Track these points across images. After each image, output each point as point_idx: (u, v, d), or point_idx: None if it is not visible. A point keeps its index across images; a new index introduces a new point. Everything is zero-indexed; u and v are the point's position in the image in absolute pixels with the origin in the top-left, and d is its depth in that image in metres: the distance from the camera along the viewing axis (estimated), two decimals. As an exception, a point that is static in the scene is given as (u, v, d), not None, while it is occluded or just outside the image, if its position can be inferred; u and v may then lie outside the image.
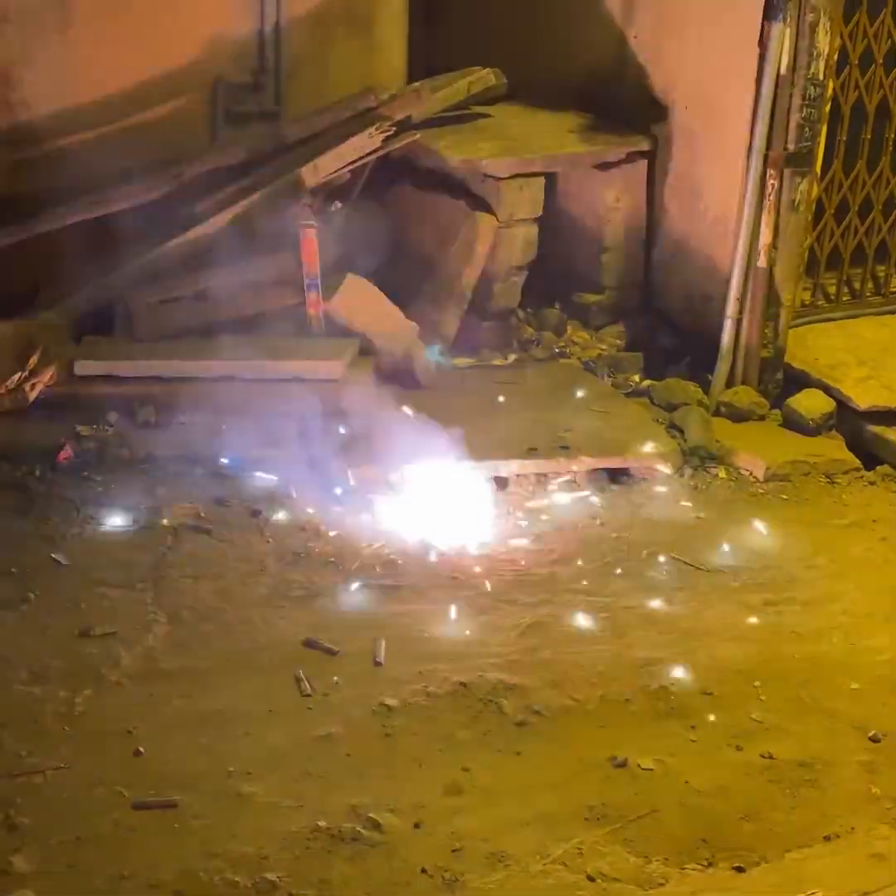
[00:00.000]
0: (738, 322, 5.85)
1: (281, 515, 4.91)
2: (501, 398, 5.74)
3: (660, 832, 3.57)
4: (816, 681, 4.24)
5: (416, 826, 3.54)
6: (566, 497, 5.18)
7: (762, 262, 5.73)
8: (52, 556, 4.60)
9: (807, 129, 5.55)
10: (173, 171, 5.87)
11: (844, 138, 5.97)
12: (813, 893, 3.31)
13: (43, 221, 5.78)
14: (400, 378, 5.76)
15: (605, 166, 6.29)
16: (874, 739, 3.98)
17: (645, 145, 6.28)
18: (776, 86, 5.53)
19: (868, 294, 6.47)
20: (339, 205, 6.03)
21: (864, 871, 3.44)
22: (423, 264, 6.14)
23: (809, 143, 5.60)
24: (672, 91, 6.20)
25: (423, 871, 3.38)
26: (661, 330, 6.37)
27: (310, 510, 4.95)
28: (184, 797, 3.57)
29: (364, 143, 5.93)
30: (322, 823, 3.51)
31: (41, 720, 3.83)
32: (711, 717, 4.03)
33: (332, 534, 4.83)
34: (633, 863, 3.45)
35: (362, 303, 5.77)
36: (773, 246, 5.70)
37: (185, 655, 4.16)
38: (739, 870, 3.45)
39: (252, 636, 4.29)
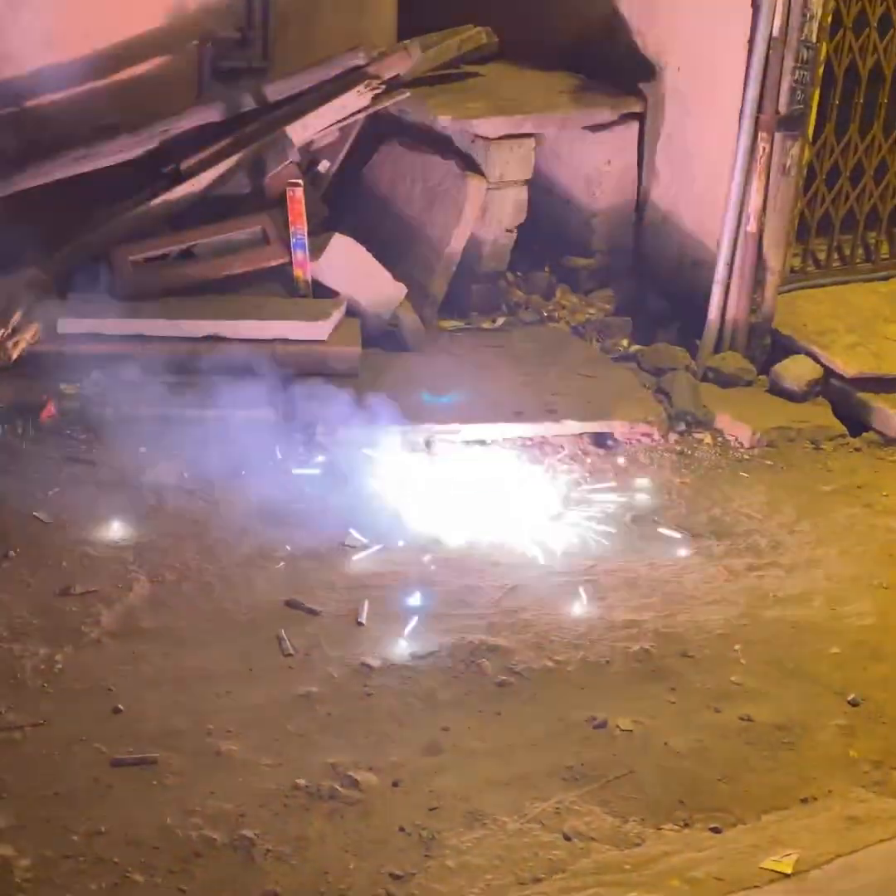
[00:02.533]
0: (727, 287, 5.83)
1: (263, 476, 4.89)
2: (488, 361, 5.74)
3: (637, 793, 3.59)
4: (797, 645, 4.26)
5: (395, 785, 3.55)
6: (550, 461, 5.18)
7: (751, 227, 5.70)
8: (34, 513, 4.59)
9: (799, 92, 5.50)
10: (159, 128, 5.82)
11: (837, 102, 5.92)
12: (788, 854, 3.33)
13: (28, 176, 5.73)
14: (387, 340, 5.75)
15: (596, 128, 6.24)
16: (853, 703, 4.00)
17: (637, 107, 6.23)
18: (768, 48, 5.49)
19: (858, 260, 6.45)
20: (326, 163, 5.99)
21: (840, 834, 3.46)
22: (411, 225, 6.10)
23: (801, 107, 5.56)
24: (664, 52, 6.14)
25: (401, 829, 3.40)
26: (650, 294, 6.34)
27: (293, 471, 4.94)
28: (162, 754, 3.58)
29: (352, 101, 5.86)
30: (300, 781, 3.52)
31: (20, 677, 3.83)
32: (691, 680, 4.05)
33: (315, 495, 4.82)
34: (609, 823, 3.46)
35: (349, 263, 5.72)
36: (763, 211, 5.68)
37: (165, 615, 4.17)
38: (716, 830, 3.46)
39: (234, 596, 4.29)
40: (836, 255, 6.39)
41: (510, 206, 6.11)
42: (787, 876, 3.29)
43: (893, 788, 3.65)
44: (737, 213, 5.71)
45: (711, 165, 5.95)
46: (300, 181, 5.62)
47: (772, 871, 3.31)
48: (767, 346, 5.91)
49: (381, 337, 5.75)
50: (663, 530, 4.82)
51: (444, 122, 6.00)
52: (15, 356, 5.24)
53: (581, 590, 4.42)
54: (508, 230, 6.16)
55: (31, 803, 3.39)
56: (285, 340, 5.44)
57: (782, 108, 5.52)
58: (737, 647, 4.21)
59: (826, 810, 3.56)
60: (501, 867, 3.29)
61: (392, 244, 6.04)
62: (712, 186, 5.94)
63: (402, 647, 4.07)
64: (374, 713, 3.81)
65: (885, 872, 3.32)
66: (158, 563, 4.40)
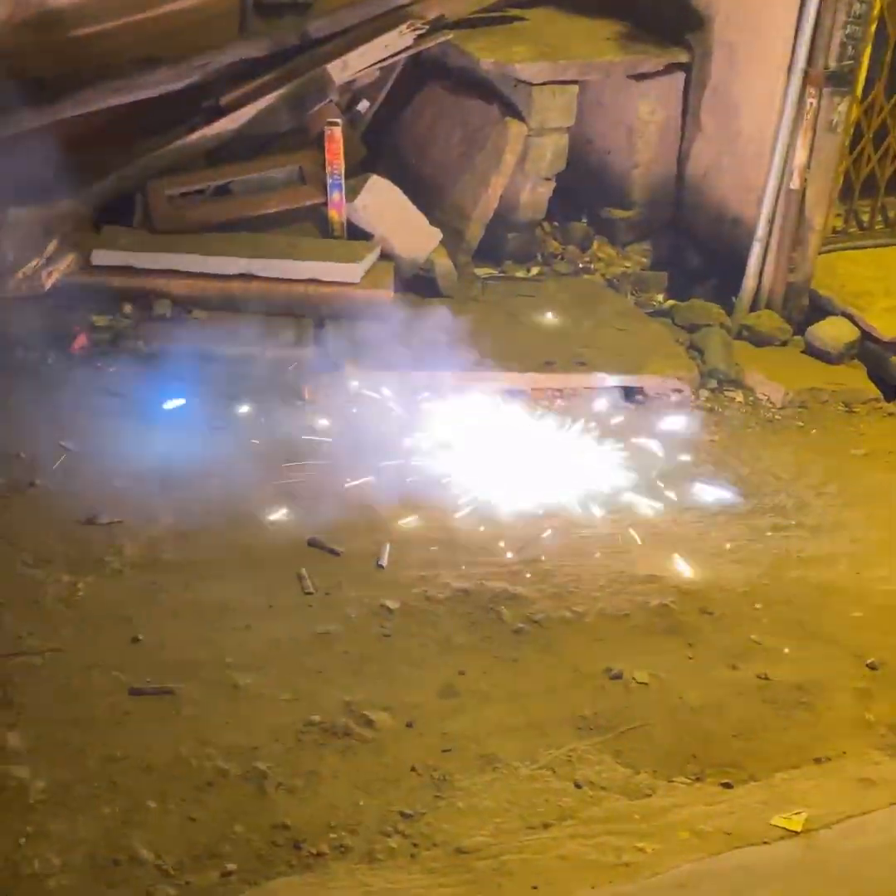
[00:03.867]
0: (767, 245, 5.75)
1: (292, 415, 4.89)
2: (521, 310, 5.69)
3: (650, 745, 3.59)
4: (819, 606, 4.23)
5: (409, 725, 3.56)
6: (579, 413, 5.15)
7: (795, 183, 5.61)
8: (62, 443, 4.60)
9: (849, 47, 5.39)
10: (199, 62, 5.76)
11: (889, 60, 5.80)
12: (799, 813, 3.33)
13: (68, 106, 5.69)
14: (420, 285, 5.70)
15: (640, 77, 6.13)
16: (872, 667, 3.98)
17: (683, 57, 6.11)
18: (820, 1, 5.36)
19: (902, 224, 6.35)
20: (365, 104, 5.92)
21: (852, 795, 3.45)
22: (449, 169, 6.02)
23: (852, 63, 5.44)
24: (713, 2, 6.01)
25: (413, 768, 3.42)
26: (688, 249, 6.27)
27: (322, 410, 4.93)
28: (180, 685, 3.61)
29: (395, 41, 5.79)
30: (315, 718, 3.53)
31: (42, 603, 3.86)
32: (710, 637, 4.03)
33: (343, 434, 4.80)
34: (621, 773, 3.47)
35: (385, 206, 5.67)
36: (808, 167, 5.58)
37: (188, 548, 4.17)
38: (727, 786, 3.46)
39: (257, 532, 4.29)
40: (880, 217, 6.29)
41: (550, 154, 6.03)
42: (796, 834, 3.28)
43: (908, 753, 3.64)
44: (781, 170, 5.62)
45: (757, 120, 5.85)
46: (339, 120, 5.57)
47: (781, 828, 3.30)
48: (804, 306, 5.84)
49: (414, 281, 5.70)
50: (689, 486, 4.78)
51: (486, 65, 5.90)
52: (48, 285, 5.24)
53: (604, 543, 4.40)
54: (547, 178, 6.09)
55: (48, 727, 3.43)
56: (318, 281, 5.41)
57: (832, 64, 5.41)
58: (758, 605, 4.19)
59: (839, 771, 3.55)
60: (511, 811, 3.30)
61: (429, 188, 5.98)
62: (757, 141, 5.84)
63: (421, 591, 4.07)
64: (391, 654, 3.82)
65: (894, 833, 3.30)
66: (183, 496, 4.40)
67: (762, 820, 3.33)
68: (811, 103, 5.45)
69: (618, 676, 3.82)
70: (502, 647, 3.90)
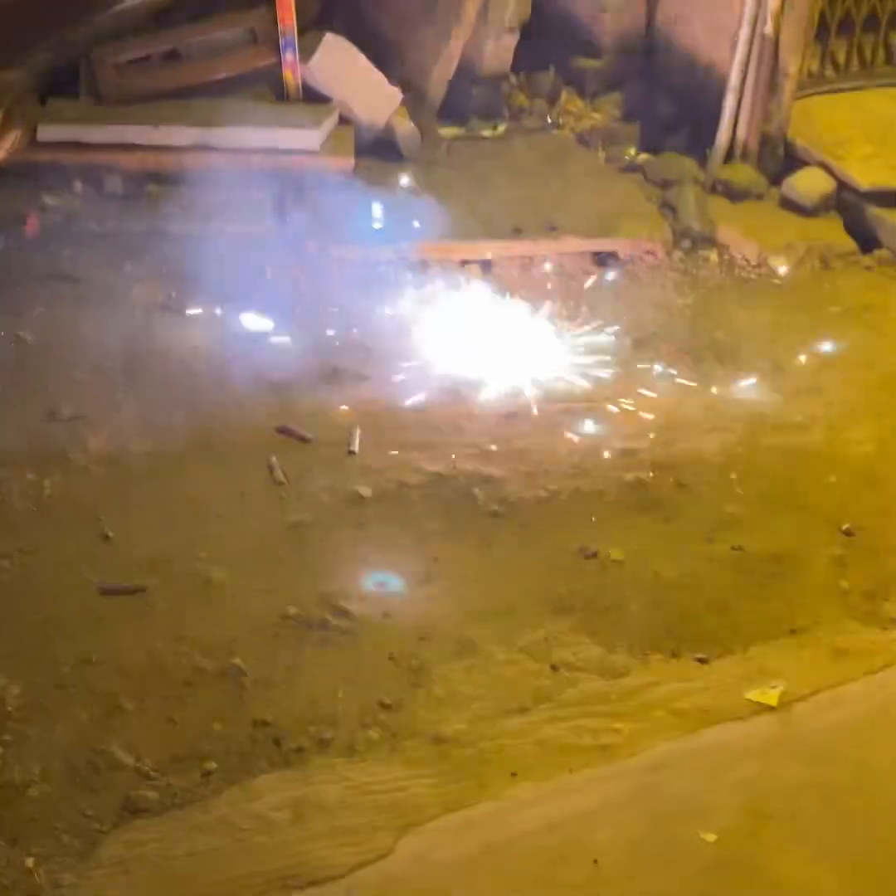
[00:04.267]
0: (741, 93, 5.55)
1: (253, 296, 4.75)
2: (488, 173, 5.51)
3: (626, 623, 3.60)
4: (794, 474, 4.21)
5: (385, 615, 3.56)
6: (550, 281, 5.03)
7: (769, 28, 5.39)
8: (18, 333, 4.49)
9: None
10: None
11: None
12: (774, 687, 3.36)
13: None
14: (382, 149, 5.51)
15: (607, -85, 5.86)
16: (847, 533, 3.98)
17: None
18: None
19: (880, 64, 6.12)
20: (318, -46, 5.63)
21: (827, 666, 3.49)
22: (408, 24, 5.77)
23: None
24: None
25: (391, 657, 3.43)
26: (660, 99, 6.05)
27: (283, 291, 4.80)
28: (152, 582, 3.58)
29: None
30: (292, 610, 3.53)
31: (8, 503, 3.81)
32: (685, 510, 4.01)
33: (306, 317, 4.68)
34: (597, 652, 3.49)
35: (342, 66, 5.45)
36: (781, 11, 5.35)
37: (154, 440, 4.10)
38: (702, 661, 3.49)
39: (225, 421, 4.21)
40: (856, 58, 6.07)
41: (513, 3, 5.76)
42: (772, 708, 3.32)
43: (882, 620, 3.66)
44: (754, 14, 5.40)
45: (730, -42, 5.60)
46: (289, -25, 5.30)
47: (757, 702, 3.34)
48: (781, 156, 5.67)
49: (375, 145, 5.51)
50: (661, 355, 4.70)
51: None
52: (-7, 165, 5.05)
53: (578, 418, 4.35)
54: (511, 29, 5.84)
55: (20, 631, 3.41)
56: (275, 149, 5.23)
57: None
58: (733, 475, 4.17)
59: (814, 641, 3.58)
60: (488, 696, 3.33)
61: (387, 45, 5.75)
62: (730, -18, 5.61)
63: (394, 477, 4.02)
64: (366, 543, 3.79)
65: (868, 704, 3.35)
66: (147, 386, 4.32)
67: (738, 695, 3.36)
68: (785, -58, 5.20)
69: (593, 555, 3.81)
70: (477, 531, 3.87)
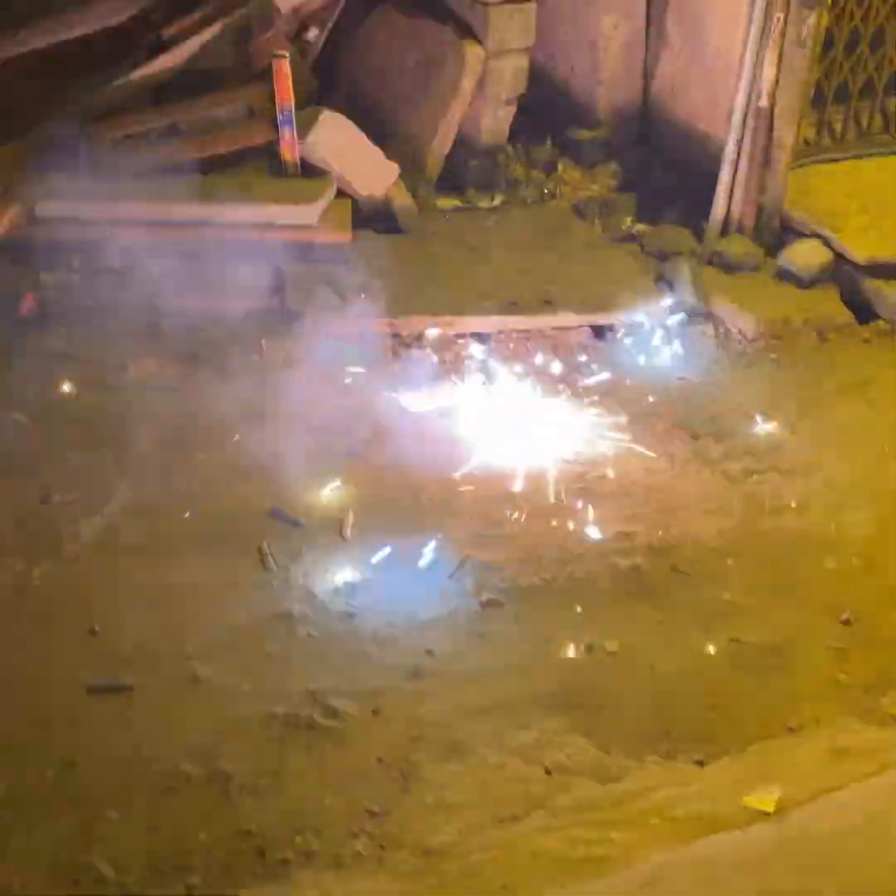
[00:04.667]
0: (736, 165, 5.48)
1: (248, 372, 4.66)
2: (484, 244, 5.45)
3: (622, 721, 3.46)
4: (792, 558, 4.08)
5: (375, 712, 3.43)
6: (544, 355, 4.93)
7: (764, 101, 5.32)
8: (12, 414, 4.39)
9: (819, -44, 5.05)
10: (136, -7, 5.41)
11: (860, -36, 5.46)
12: (771, 791, 3.22)
13: (1, 47, 5.34)
14: (379, 221, 5.44)
15: (601, -11, 5.80)
16: (846, 622, 3.84)
17: (646, -33, 5.77)
18: None
19: (876, 131, 6.04)
20: (315, 31, 5.57)
21: (827, 767, 3.34)
22: (405, 97, 5.73)
23: (821, -27, 5.11)
24: None
25: (380, 760, 3.29)
26: (657, 168, 6.00)
27: (279, 367, 4.71)
28: (139, 679, 3.46)
29: (342, -37, 5.43)
30: (279, 710, 3.39)
31: (-4, 594, 3.70)
32: (681, 598, 3.89)
33: (302, 394, 4.57)
34: (592, 755, 3.35)
35: (339, 141, 5.39)
36: (776, 84, 5.28)
37: (147, 525, 4.00)
38: (699, 763, 3.34)
39: (217, 505, 4.10)
40: (852, 125, 5.99)
41: (510, 76, 5.73)
42: (769, 814, 3.17)
43: (882, 716, 3.52)
44: (748, 87, 5.32)
45: (725, 32, 5.52)
46: (286, 52, 5.23)
47: (755, 808, 3.19)
48: (777, 228, 5.58)
49: (373, 217, 5.44)
50: (659, 430, 4.60)
51: (439, -16, 5.56)
52: (-9, 243, 4.97)
53: (572, 499, 4.24)
54: (508, 102, 5.81)
55: (4, 729, 3.28)
56: (272, 224, 5.16)
57: (800, -25, 5.08)
58: (730, 561, 4.04)
59: (813, 740, 3.43)
60: (480, 804, 3.18)
61: (385, 118, 5.71)
62: (725, 55, 5.53)
63: (387, 562, 3.90)
64: (356, 634, 3.67)
65: (868, 810, 3.20)
66: (140, 468, 4.21)
67: (735, 800, 3.21)
68: (779, 17, 5.13)
69: (589, 647, 3.68)
70: (470, 620, 3.75)
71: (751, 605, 3.88)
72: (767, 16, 5.15)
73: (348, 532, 4.02)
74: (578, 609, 3.81)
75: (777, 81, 5.29)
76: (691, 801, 3.22)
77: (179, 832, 3.07)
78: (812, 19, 5.18)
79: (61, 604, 3.69)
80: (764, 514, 4.26)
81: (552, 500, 4.24)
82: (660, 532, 4.13)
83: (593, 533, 4.10)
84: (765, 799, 3.20)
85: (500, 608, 3.80)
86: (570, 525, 4.14)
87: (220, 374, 4.63)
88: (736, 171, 5.49)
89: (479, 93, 5.68)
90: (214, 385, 4.57)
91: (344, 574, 3.85)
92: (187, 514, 4.05)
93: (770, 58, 5.21)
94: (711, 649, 3.71)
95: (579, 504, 4.22)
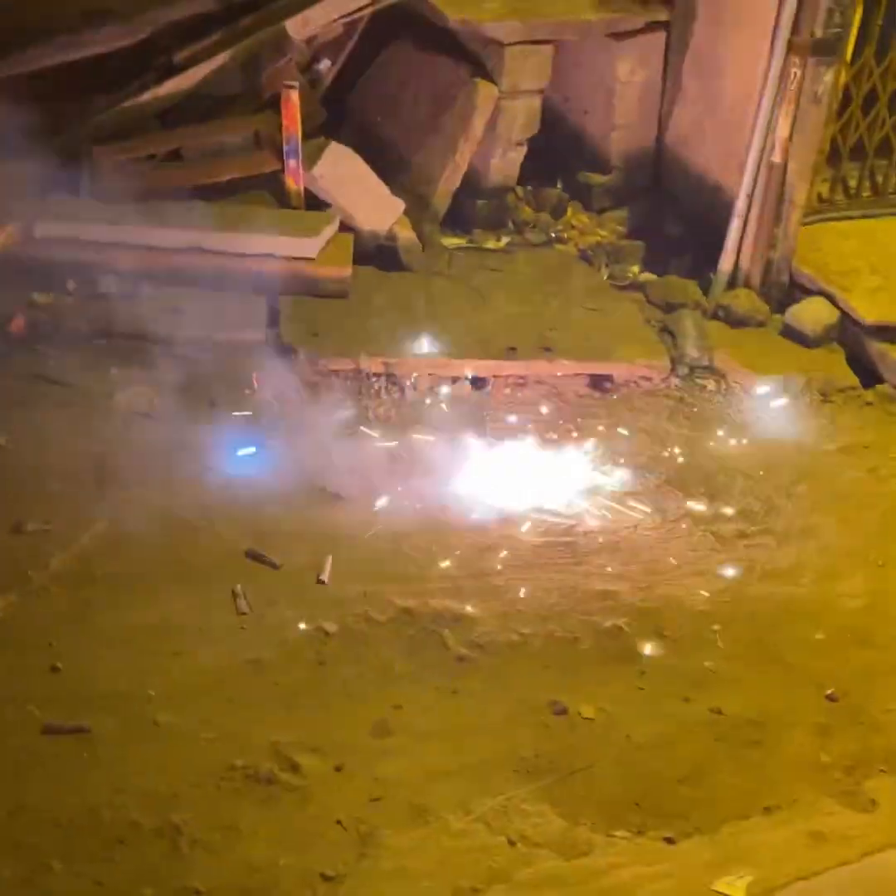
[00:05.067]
0: (746, 219, 5.39)
1: (238, 408, 4.56)
2: (488, 286, 5.35)
3: (592, 791, 3.33)
4: (780, 627, 3.95)
5: (338, 769, 3.31)
6: (541, 404, 4.84)
7: (777, 156, 5.23)
8: (-6, 438, 4.31)
9: (838, 14, 4.95)
10: (151, 16, 5.34)
11: (880, 23, 5.32)
12: (742, 876, 3.09)
13: (11, 64, 5.29)
14: (382, 258, 5.36)
15: (619, 36, 5.71)
16: (831, 699, 3.70)
17: (664, 15, 5.69)
18: (808, -39, 4.94)
19: (892, 191, 5.93)
20: (327, 63, 5.50)
21: (802, 852, 3.20)
22: (415, 133, 5.65)
23: (839, 30, 5.00)
24: (698, -44, 5.58)
25: (338, 822, 3.16)
26: (667, 217, 5.92)
27: (269, 403, 4.62)
28: (97, 722, 3.34)
29: (358, -5, 5.37)
30: (238, 762, 3.27)
31: (-41, 627, 3.60)
32: (663, 663, 3.76)
33: (291, 432, 4.47)
34: (558, 826, 3.21)
35: (345, 175, 5.31)
36: (790, 140, 5.19)
37: (121, 560, 3.89)
38: (669, 841, 3.21)
39: (195, 540, 4.00)
40: (867, 184, 5.88)
41: (522, 117, 5.65)
42: (739, 901, 3.05)
43: (863, 801, 3.38)
44: (762, 142, 5.24)
45: (741, 84, 5.42)
46: (296, 83, 5.17)
47: (724, 894, 3.06)
48: (785, 284, 5.48)
49: (376, 253, 5.36)
50: (651, 487, 4.49)
51: (454, 23, 5.48)
52: (-14, 261, 4.89)
53: (556, 553, 4.13)
54: (519, 143, 5.72)
55: (-45, 771, 3.19)
56: (272, 256, 5.06)
57: (818, 31, 4.98)
58: (716, 627, 3.91)
59: (789, 822, 3.30)
60: (439, 873, 3.05)
61: (394, 153, 5.63)
62: (741, 107, 5.42)
63: (362, 611, 3.79)
64: (326, 685, 3.55)
65: (844, 901, 3.07)
66: (118, 498, 4.10)
67: (704, 884, 3.07)
68: (795, 73, 5.04)
69: (563, 711, 3.55)
70: (443, 676, 3.63)
71: (734, 674, 3.75)
72: (784, 71, 5.06)
73: (327, 576, 3.91)
74: (555, 669, 3.69)
75: (791, 138, 5.21)
76: (659, 881, 3.08)
77: (124, 887, 2.95)
78: (829, 76, 5.09)
79: (23, 638, 3.58)
80: (754, 578, 4.14)
81: (536, 553, 4.12)
82: (645, 592, 4.01)
83: (576, 589, 3.98)
84: (736, 884, 3.07)
85: (474, 664, 3.68)
86: (553, 580, 4.02)
87: (210, 407, 4.54)
88: (746, 224, 5.40)
89: (491, 132, 5.60)
90: (203, 417, 4.47)
91: (318, 620, 3.73)
92: (163, 549, 3.94)
93: (785, 113, 5.12)
94: (690, 719, 3.58)
95: (563, 558, 4.10)
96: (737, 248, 5.43)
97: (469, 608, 3.85)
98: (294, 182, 5.23)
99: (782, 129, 5.17)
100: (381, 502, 4.23)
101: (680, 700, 3.65)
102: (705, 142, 5.74)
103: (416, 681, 3.60)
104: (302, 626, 3.72)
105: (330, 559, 3.96)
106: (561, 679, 3.66)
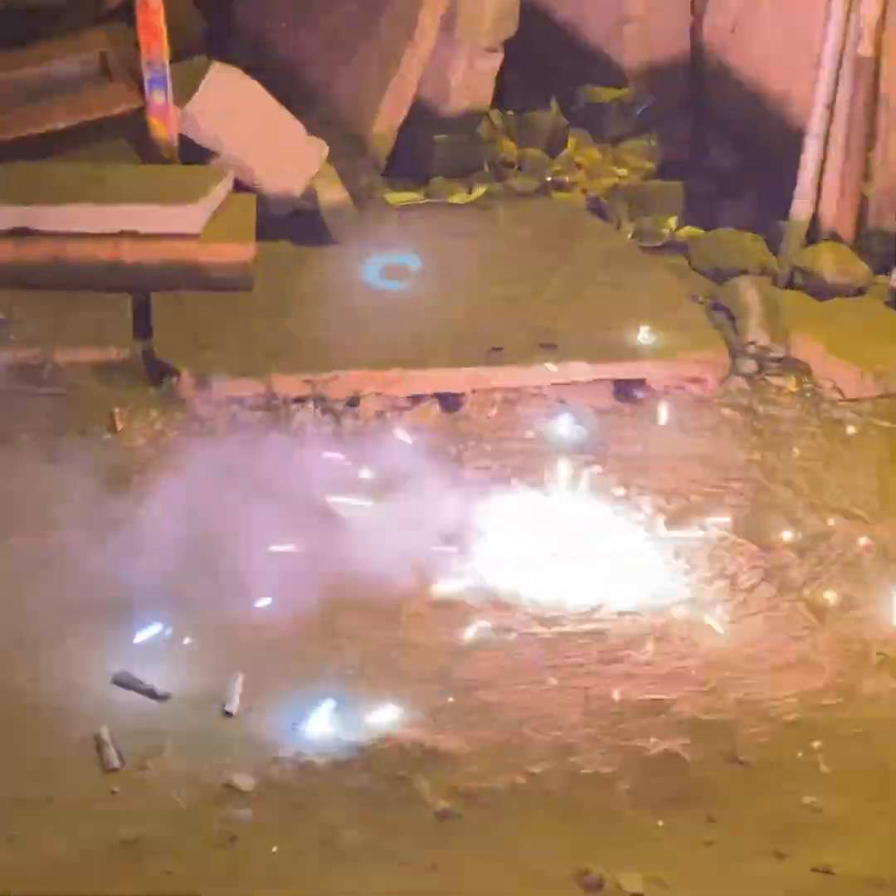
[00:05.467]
0: (827, 140, 5.50)
1: (95, 456, 4.64)
2: (457, 259, 5.47)
3: None
4: (908, 738, 4.01)
5: None
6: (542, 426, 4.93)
7: (865, 48, 5.33)
8: None
9: None
10: None
11: None
12: None
13: None
14: (300, 228, 5.46)
15: None
16: None
17: None
18: None
19: None
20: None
21: None
22: (338, 45, 5.77)
23: None
24: None
25: None
26: (713, 144, 6.10)
27: (140, 447, 4.71)
28: None
29: None
30: None
31: None
32: (741, 803, 3.76)
33: (172, 487, 4.51)
34: None
35: (237, 109, 5.39)
36: (883, 23, 5.29)
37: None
38: None
39: (42, 673, 3.99)
40: None
41: (492, 11, 5.77)
42: None
43: None
44: (842, 27, 5.34)
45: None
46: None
47: None
48: (890, 232, 5.58)
49: (290, 221, 5.47)
50: (714, 543, 4.56)
51: None
52: None
53: (578, 649, 4.16)
54: (491, 48, 5.85)
55: None
56: (135, 234, 5.15)
57: None
58: (815, 743, 3.94)
59: None
60: None
61: (308, 75, 5.77)
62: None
63: (292, 754, 3.78)
64: (239, 872, 3.50)
65: None
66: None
67: None
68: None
69: (597, 885, 3.52)
70: (416, 845, 3.60)
71: (845, 814, 3.77)
72: (868, -78, 5.20)
73: (234, 706, 3.92)
74: (583, 823, 3.68)
75: (884, 20, 5.32)
76: None
77: None
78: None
79: None
80: (867, 669, 4.20)
81: (546, 650, 4.16)
82: (710, 699, 4.05)
83: (608, 699, 4.02)
84: None
85: (460, 823, 3.67)
86: (574, 688, 4.05)
87: (48, 459, 4.61)
88: (827, 149, 5.51)
89: (448, 36, 5.72)
90: (37, 474, 4.54)
91: (226, 773, 3.71)
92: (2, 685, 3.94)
93: (873, -17, 5.26)
94: (787, 885, 3.55)
95: (587, 656, 4.15)
96: (816, 183, 5.55)
97: (449, 741, 3.88)
98: (162, 124, 5.33)
99: (871, 9, 5.27)
100: (309, 582, 4.27)
101: (770, 857, 3.64)
102: (761, 33, 5.87)
103: (375, 855, 3.58)
104: (202, 782, 3.69)
105: (240, 678, 3.97)
106: (590, 838, 3.66)
